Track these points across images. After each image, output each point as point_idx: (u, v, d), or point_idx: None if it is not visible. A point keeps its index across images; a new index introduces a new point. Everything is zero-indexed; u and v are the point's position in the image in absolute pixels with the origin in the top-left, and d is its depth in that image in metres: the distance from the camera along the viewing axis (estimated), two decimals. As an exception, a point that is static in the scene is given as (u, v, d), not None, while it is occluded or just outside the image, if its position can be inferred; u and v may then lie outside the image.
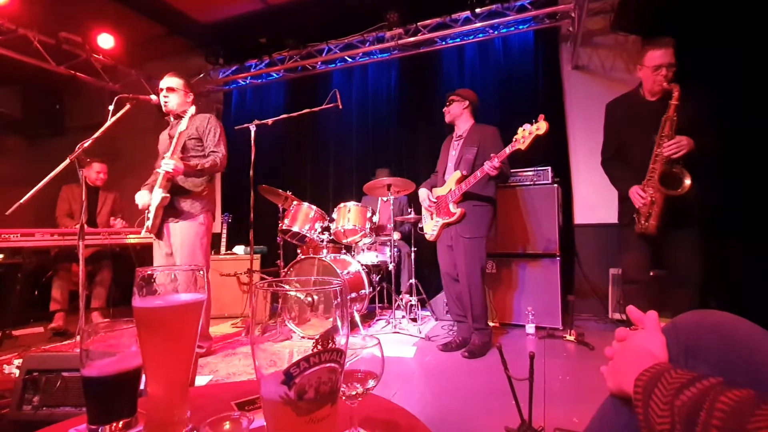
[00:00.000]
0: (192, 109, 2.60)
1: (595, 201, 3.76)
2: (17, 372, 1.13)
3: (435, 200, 2.82)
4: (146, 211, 2.58)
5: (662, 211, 2.06)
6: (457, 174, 2.68)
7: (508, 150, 2.44)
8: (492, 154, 2.46)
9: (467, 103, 2.79)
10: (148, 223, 2.54)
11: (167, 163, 2.40)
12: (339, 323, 0.45)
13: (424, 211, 2.96)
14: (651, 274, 2.29)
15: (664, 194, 2.03)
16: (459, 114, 2.80)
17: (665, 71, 2.11)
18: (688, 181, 1.98)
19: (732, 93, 2.63)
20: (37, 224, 3.10)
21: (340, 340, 0.44)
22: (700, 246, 2.13)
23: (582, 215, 3.86)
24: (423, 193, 2.91)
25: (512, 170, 3.41)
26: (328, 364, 0.41)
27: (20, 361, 1.19)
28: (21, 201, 2.03)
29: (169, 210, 2.55)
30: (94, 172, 3.81)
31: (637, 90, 2.33)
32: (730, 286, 2.64)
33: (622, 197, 2.33)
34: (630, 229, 2.23)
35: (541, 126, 2.35)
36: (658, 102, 2.19)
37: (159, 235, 2.60)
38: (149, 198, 2.57)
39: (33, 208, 2.10)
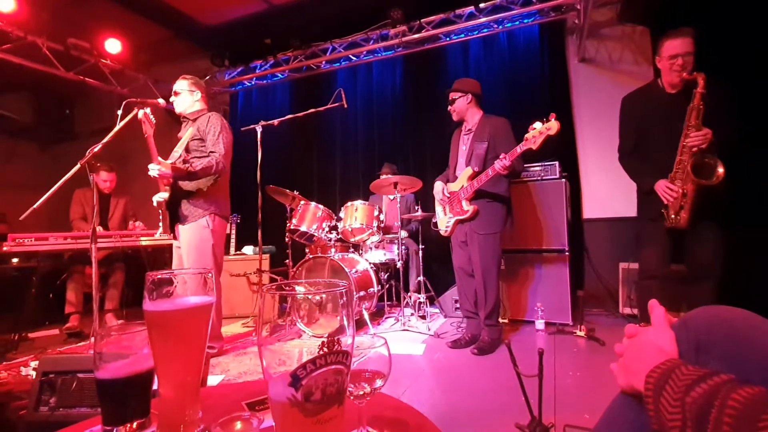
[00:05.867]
0: (203, 118, 2.61)
1: (604, 195, 3.72)
2: (34, 374, 1.15)
3: (449, 195, 2.81)
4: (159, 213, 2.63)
5: (693, 203, 2.02)
6: (468, 170, 2.65)
7: (519, 149, 2.40)
8: (503, 153, 2.43)
9: (470, 96, 2.74)
10: (161, 224, 2.57)
11: (151, 169, 2.35)
12: (345, 323, 0.45)
13: (437, 207, 2.94)
14: (672, 268, 2.25)
15: (696, 184, 1.99)
16: (465, 109, 2.77)
17: (681, 60, 2.07)
18: (721, 170, 1.93)
19: (734, 87, 2.60)
20: (51, 228, 3.15)
21: (346, 340, 0.44)
22: (722, 240, 2.09)
23: (591, 210, 3.82)
24: (438, 186, 2.88)
25: (520, 165, 3.39)
26: (334, 366, 0.42)
27: (36, 363, 1.22)
28: (34, 206, 2.07)
29: (174, 213, 2.57)
30: (102, 180, 3.83)
31: (655, 83, 2.28)
32: (744, 280, 2.60)
33: (644, 192, 2.27)
34: (656, 224, 2.18)
35: (552, 126, 2.31)
36: (678, 94, 2.15)
37: (174, 236, 2.63)
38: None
39: (46, 213, 2.14)
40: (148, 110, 2.36)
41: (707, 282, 2.11)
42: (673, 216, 2.10)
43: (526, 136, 2.40)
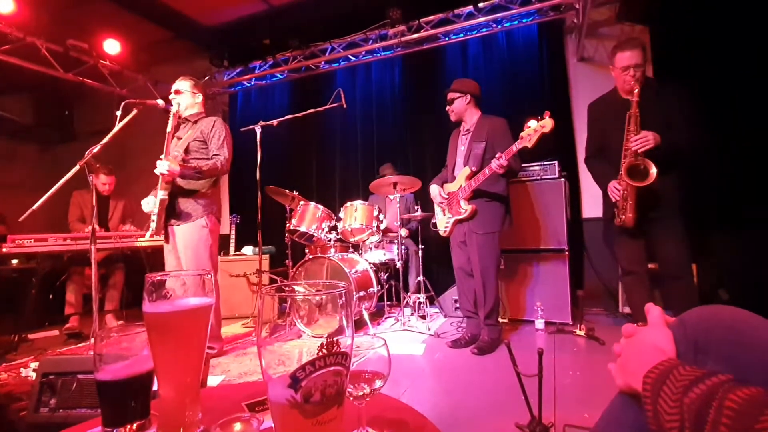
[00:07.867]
0: (206, 122, 2.64)
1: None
2: (34, 375, 1.15)
3: (446, 196, 2.81)
4: (151, 213, 2.61)
5: (636, 203, 2.10)
6: (466, 170, 2.66)
7: (514, 148, 2.41)
8: (498, 153, 2.44)
9: (468, 97, 2.74)
10: (153, 225, 2.56)
11: (161, 165, 2.40)
12: (345, 324, 0.46)
13: (436, 207, 2.94)
14: (650, 266, 2.30)
15: (631, 186, 2.08)
16: (463, 110, 2.77)
17: (633, 71, 2.18)
18: (653, 171, 2.01)
19: (732, 86, 2.60)
20: (50, 229, 3.15)
21: (346, 341, 0.45)
22: (684, 238, 2.14)
23: (590, 209, 3.82)
24: (434, 189, 2.88)
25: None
26: (333, 368, 0.42)
27: (36, 364, 1.22)
28: (33, 207, 2.07)
29: (171, 212, 2.57)
30: (101, 184, 3.81)
31: (614, 90, 2.37)
32: (742, 279, 2.61)
33: (604, 193, 2.36)
34: (613, 223, 2.26)
35: (547, 123, 2.32)
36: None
37: (165, 237, 2.63)
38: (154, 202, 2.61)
39: (45, 214, 2.14)
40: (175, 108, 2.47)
41: (680, 280, 2.14)
42: (621, 216, 2.17)
43: (522, 134, 2.41)
